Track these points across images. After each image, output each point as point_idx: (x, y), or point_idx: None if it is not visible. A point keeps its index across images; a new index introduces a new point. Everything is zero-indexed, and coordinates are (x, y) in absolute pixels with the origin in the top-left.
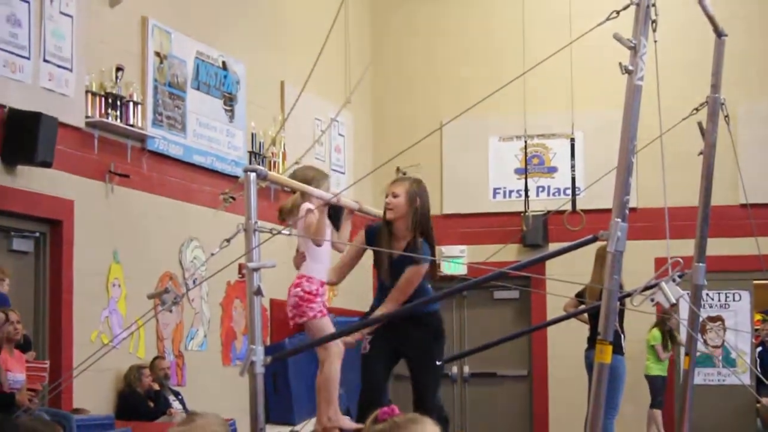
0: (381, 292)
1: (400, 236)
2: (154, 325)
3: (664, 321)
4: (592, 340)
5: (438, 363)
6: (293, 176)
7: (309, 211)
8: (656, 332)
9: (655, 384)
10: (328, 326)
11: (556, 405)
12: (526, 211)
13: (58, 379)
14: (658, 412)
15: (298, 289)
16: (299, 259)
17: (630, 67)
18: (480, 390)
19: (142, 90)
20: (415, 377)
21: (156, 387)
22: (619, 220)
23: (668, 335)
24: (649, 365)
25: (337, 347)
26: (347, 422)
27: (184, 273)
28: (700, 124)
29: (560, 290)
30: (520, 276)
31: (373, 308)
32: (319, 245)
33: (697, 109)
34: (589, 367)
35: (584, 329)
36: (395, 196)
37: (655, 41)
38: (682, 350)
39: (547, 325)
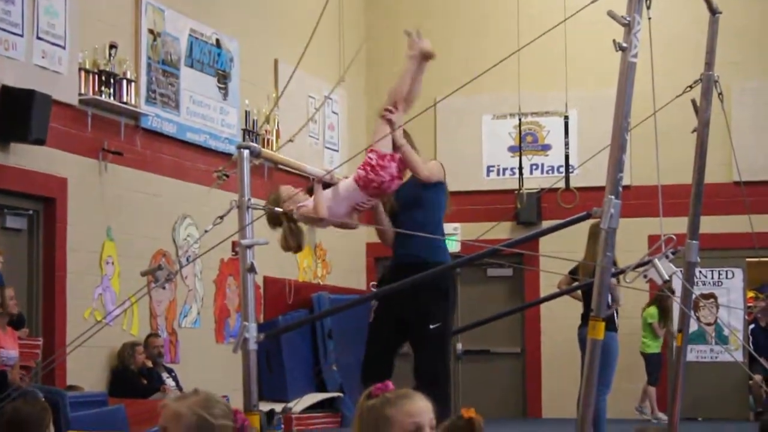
0: (395, 223)
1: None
2: (148, 302)
3: (662, 298)
4: (585, 317)
5: (437, 325)
6: (273, 199)
7: (299, 207)
8: (653, 310)
9: (651, 361)
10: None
11: (548, 382)
12: (519, 189)
13: (51, 356)
14: (653, 389)
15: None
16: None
17: (624, 45)
18: (473, 367)
19: (136, 67)
20: (413, 343)
21: (149, 364)
22: (612, 197)
23: (665, 313)
24: (646, 343)
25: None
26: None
27: (178, 250)
28: (693, 101)
29: (554, 267)
30: (514, 253)
31: (390, 267)
32: (322, 226)
33: (690, 87)
34: (582, 343)
35: (577, 306)
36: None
37: (649, 18)
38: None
39: (540, 302)
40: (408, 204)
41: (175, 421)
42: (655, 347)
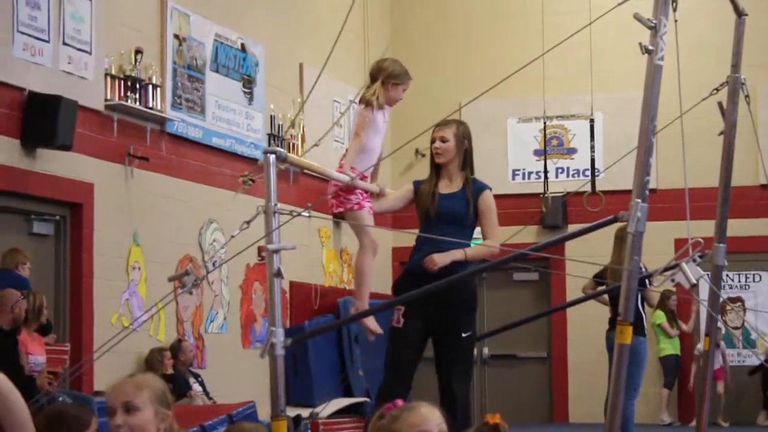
0: (428, 229)
1: (451, 176)
2: (174, 307)
3: (664, 301)
4: (613, 321)
5: (464, 335)
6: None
7: (362, 113)
8: (659, 312)
9: (667, 364)
10: (365, 219)
11: (575, 386)
12: (545, 193)
13: (78, 362)
14: (666, 392)
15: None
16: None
17: (650, 47)
18: (500, 372)
19: (161, 73)
20: (443, 352)
21: (170, 370)
22: (639, 200)
23: (671, 314)
24: (662, 347)
25: (372, 241)
26: (372, 323)
27: (204, 255)
28: (720, 104)
29: (580, 271)
30: (540, 257)
31: (409, 271)
32: (360, 143)
33: (717, 89)
34: (611, 348)
35: (603, 310)
36: (444, 140)
37: (676, 21)
38: (702, 330)
39: (567, 306)
40: (448, 217)
41: None
42: (671, 349)
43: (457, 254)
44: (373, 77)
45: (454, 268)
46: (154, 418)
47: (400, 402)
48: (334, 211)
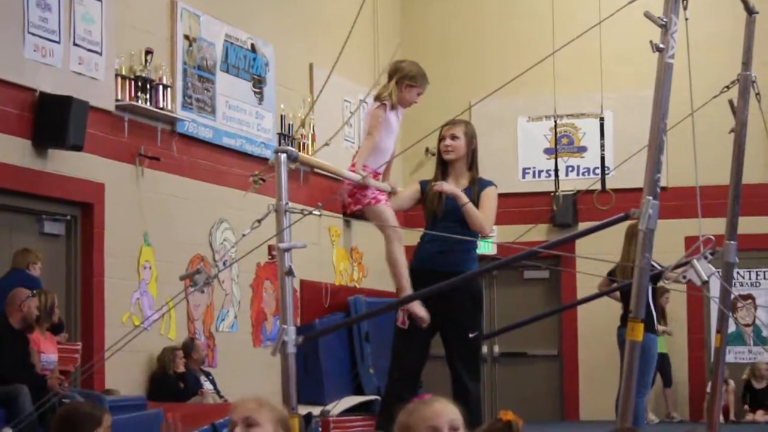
0: (434, 227)
1: (458, 175)
2: (185, 306)
3: (654, 297)
4: (625, 318)
5: (471, 335)
6: (392, 65)
7: (375, 112)
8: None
9: None
10: (384, 212)
11: (586, 384)
12: (555, 191)
13: (90, 361)
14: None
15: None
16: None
17: (661, 45)
18: (510, 370)
19: (172, 73)
20: (452, 352)
21: (181, 369)
22: (650, 198)
23: (661, 312)
24: None
25: (395, 231)
26: (418, 309)
27: (215, 255)
28: (731, 101)
29: (590, 269)
30: (550, 255)
31: (417, 271)
32: (373, 142)
33: (728, 87)
34: (622, 345)
35: (614, 307)
36: (454, 137)
37: (686, 19)
38: (713, 327)
39: (577, 304)
40: (455, 215)
41: None
42: None
43: (462, 197)
44: (390, 76)
45: (460, 267)
46: None
47: (427, 396)
48: (352, 209)
